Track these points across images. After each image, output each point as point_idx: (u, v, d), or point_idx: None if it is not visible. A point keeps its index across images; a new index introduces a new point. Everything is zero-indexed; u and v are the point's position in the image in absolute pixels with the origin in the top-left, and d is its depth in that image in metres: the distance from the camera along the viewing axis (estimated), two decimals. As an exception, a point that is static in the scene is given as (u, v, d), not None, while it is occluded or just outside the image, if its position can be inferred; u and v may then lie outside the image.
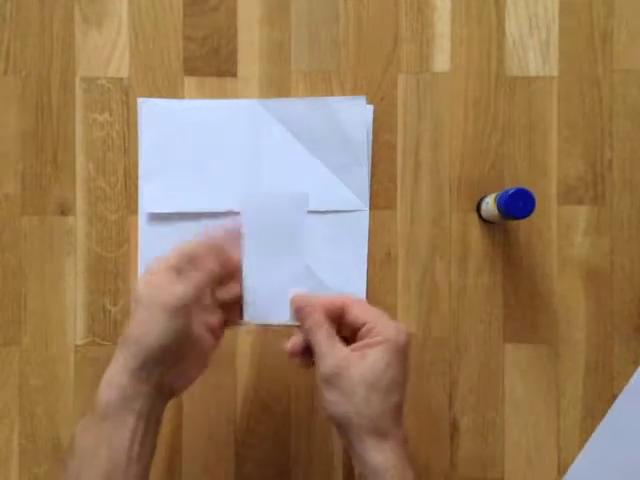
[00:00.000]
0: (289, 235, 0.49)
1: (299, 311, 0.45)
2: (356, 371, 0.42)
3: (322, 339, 0.43)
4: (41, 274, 0.58)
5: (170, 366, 0.43)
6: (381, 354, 0.42)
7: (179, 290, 0.42)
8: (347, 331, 0.45)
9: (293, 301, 0.46)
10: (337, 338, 0.44)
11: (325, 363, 0.43)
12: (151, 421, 0.43)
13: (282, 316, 0.47)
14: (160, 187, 0.58)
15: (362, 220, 0.58)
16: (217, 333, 0.47)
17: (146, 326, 0.41)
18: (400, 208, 0.59)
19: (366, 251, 0.58)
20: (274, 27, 0.59)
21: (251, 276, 0.47)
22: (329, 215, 0.58)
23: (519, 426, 0.58)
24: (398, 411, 0.43)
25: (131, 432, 0.41)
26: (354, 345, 0.44)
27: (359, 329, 0.44)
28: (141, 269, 0.58)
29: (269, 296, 0.47)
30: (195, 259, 0.45)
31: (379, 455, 0.42)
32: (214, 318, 0.47)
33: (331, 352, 0.43)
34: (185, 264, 0.44)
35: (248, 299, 0.48)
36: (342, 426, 0.43)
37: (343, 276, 0.57)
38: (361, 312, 0.45)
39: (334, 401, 0.42)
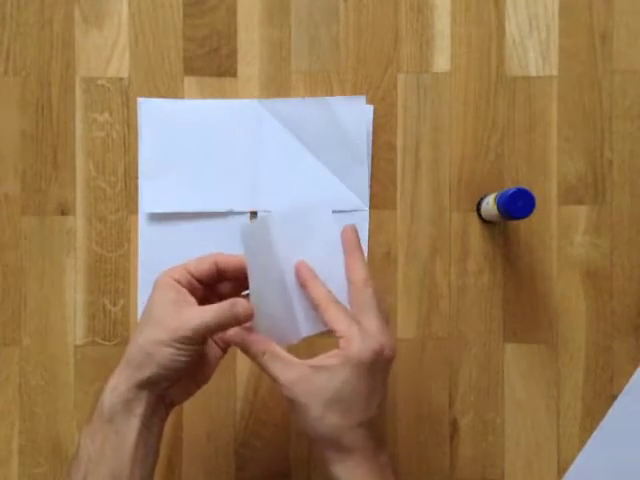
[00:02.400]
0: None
1: (241, 342, 0.44)
2: (309, 387, 0.41)
3: (269, 362, 0.42)
4: (41, 274, 0.58)
5: (174, 382, 0.43)
6: (337, 370, 0.40)
7: (197, 320, 0.41)
8: None
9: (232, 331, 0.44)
10: (285, 355, 0.42)
11: (279, 383, 0.42)
12: (154, 426, 0.43)
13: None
14: (160, 187, 0.58)
15: (362, 220, 0.58)
16: (225, 346, 0.47)
17: (157, 346, 0.41)
18: (400, 208, 0.59)
19: (366, 251, 0.58)
20: (274, 27, 0.59)
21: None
22: (329, 215, 0.58)
23: (519, 426, 0.58)
24: (366, 427, 0.41)
25: (135, 435, 0.41)
26: (312, 360, 0.42)
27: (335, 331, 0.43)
28: (141, 269, 0.58)
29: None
30: (205, 276, 0.44)
31: (342, 470, 0.41)
32: (223, 333, 0.46)
33: (282, 371, 0.42)
34: (192, 281, 0.44)
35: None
36: (311, 438, 0.43)
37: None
38: (332, 318, 0.42)
39: (294, 417, 0.42)
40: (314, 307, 0.43)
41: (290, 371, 0.41)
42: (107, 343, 0.58)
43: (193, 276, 0.44)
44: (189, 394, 0.46)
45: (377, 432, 0.42)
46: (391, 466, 0.43)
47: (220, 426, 0.58)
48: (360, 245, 0.45)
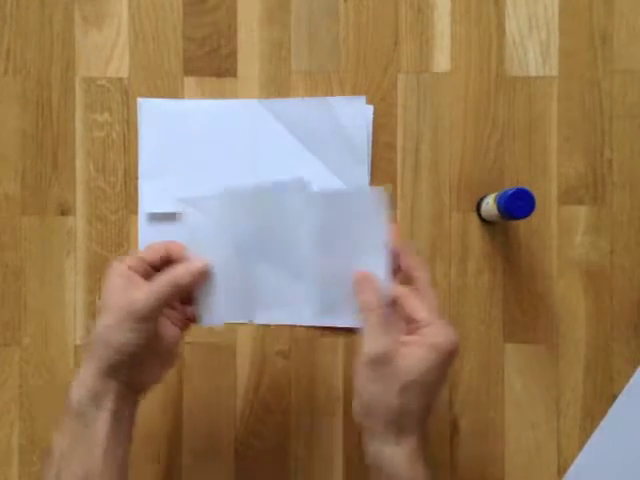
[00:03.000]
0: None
1: (360, 283, 0.44)
2: (400, 362, 0.41)
3: (374, 320, 0.43)
4: (41, 274, 0.58)
5: (137, 365, 0.43)
6: (427, 356, 0.42)
7: (143, 300, 0.42)
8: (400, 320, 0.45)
9: (355, 274, 0.45)
10: (391, 326, 0.43)
11: (371, 345, 0.42)
12: (124, 415, 0.43)
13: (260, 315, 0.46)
14: (160, 187, 0.58)
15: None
16: (182, 326, 0.47)
17: (112, 331, 0.42)
18: (400, 208, 0.59)
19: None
20: (274, 27, 0.59)
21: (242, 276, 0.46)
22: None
23: (519, 426, 0.58)
24: (425, 413, 0.43)
25: (105, 427, 0.42)
26: (405, 338, 0.43)
27: (413, 322, 0.44)
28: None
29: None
30: (157, 262, 0.45)
31: (391, 451, 0.42)
32: (178, 313, 0.47)
33: (383, 336, 0.42)
34: (145, 267, 0.44)
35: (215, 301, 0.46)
36: (367, 411, 0.42)
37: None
38: (416, 307, 0.43)
39: (368, 385, 0.42)
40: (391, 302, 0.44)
41: (389, 340, 0.42)
42: (107, 343, 0.58)
43: (146, 262, 0.45)
44: (157, 378, 0.46)
45: (427, 422, 0.43)
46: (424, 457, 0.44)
47: (220, 426, 0.58)
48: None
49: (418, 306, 0.43)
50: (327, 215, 0.45)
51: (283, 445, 0.58)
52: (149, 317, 0.42)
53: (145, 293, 0.42)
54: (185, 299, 0.47)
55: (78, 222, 0.59)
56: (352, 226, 0.45)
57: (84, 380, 0.42)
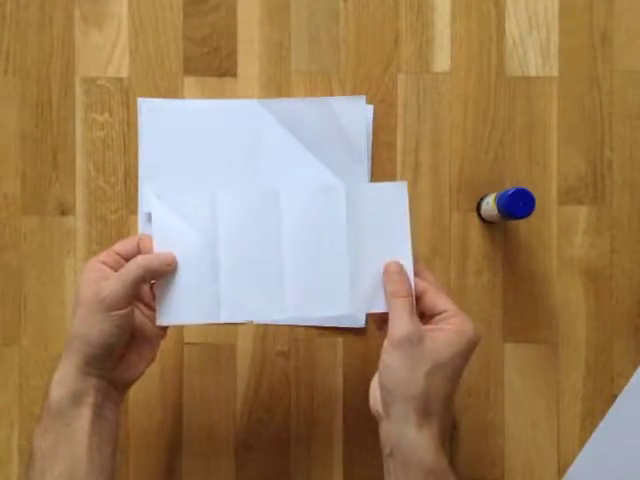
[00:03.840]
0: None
1: (394, 273, 0.45)
2: (429, 345, 0.42)
3: (406, 306, 0.43)
4: (41, 274, 0.58)
5: (116, 359, 0.43)
6: (455, 340, 0.43)
7: (111, 286, 0.42)
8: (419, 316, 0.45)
9: (386, 264, 0.45)
10: (416, 314, 0.44)
11: (401, 326, 0.42)
12: (107, 412, 0.43)
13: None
14: (160, 187, 0.58)
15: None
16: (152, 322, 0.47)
17: (86, 325, 0.42)
18: (400, 208, 0.59)
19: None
20: (274, 27, 0.59)
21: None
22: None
23: (519, 426, 0.58)
24: (449, 400, 0.43)
25: (88, 425, 0.41)
26: (429, 327, 0.44)
27: (434, 316, 0.44)
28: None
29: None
30: (130, 254, 0.45)
31: (414, 434, 0.41)
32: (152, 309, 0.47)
33: (410, 319, 0.43)
34: (118, 260, 0.44)
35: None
36: (391, 395, 0.42)
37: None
38: (440, 300, 0.45)
39: (396, 366, 0.42)
40: (419, 294, 0.45)
41: (416, 323, 0.43)
42: (107, 343, 0.58)
43: (119, 254, 0.45)
44: (138, 373, 0.46)
45: (450, 409, 0.44)
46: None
47: (220, 426, 0.58)
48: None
49: (442, 298, 0.45)
50: (352, 212, 0.46)
51: (283, 445, 0.58)
52: (118, 304, 0.42)
53: (112, 280, 0.42)
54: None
55: (78, 222, 0.58)
56: (377, 222, 0.46)
57: (63, 378, 0.42)
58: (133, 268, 0.43)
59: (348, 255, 0.46)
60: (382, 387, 0.43)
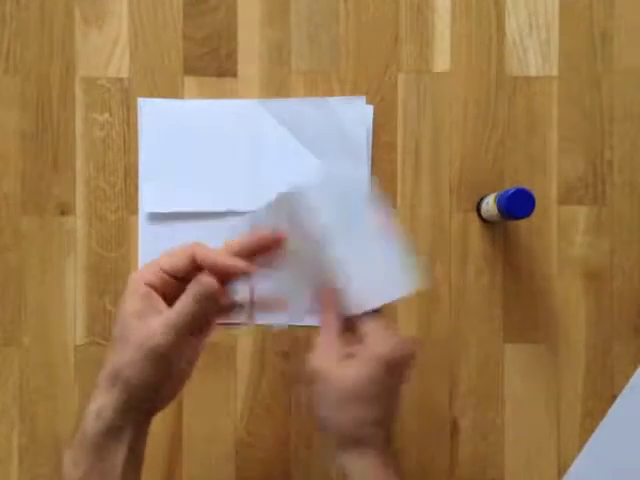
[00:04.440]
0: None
1: (324, 301, 0.44)
2: (336, 379, 0.41)
3: (327, 338, 0.43)
4: (41, 274, 0.58)
5: (156, 394, 0.42)
6: (367, 369, 0.41)
7: (161, 335, 0.38)
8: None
9: (321, 292, 0.44)
10: (336, 342, 0.43)
11: (311, 362, 0.42)
12: (139, 446, 0.42)
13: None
14: (160, 187, 0.58)
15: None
16: (199, 346, 0.44)
17: (129, 368, 0.39)
18: (400, 208, 0.59)
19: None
20: (274, 27, 0.59)
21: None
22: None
23: (519, 426, 0.58)
24: (381, 425, 0.42)
25: (123, 462, 0.40)
26: (347, 351, 0.43)
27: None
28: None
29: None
30: (180, 270, 0.41)
31: (355, 463, 0.41)
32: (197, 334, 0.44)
33: (322, 354, 0.42)
34: (166, 280, 0.40)
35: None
36: (323, 427, 0.43)
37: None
38: (360, 319, 0.43)
39: (315, 401, 0.43)
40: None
41: (327, 357, 0.42)
42: (107, 343, 0.58)
43: (167, 273, 0.40)
44: (173, 398, 0.44)
45: (389, 432, 0.43)
46: (395, 465, 0.43)
47: (220, 426, 0.58)
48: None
49: (361, 317, 0.43)
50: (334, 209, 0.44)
51: (283, 445, 0.58)
52: (169, 353, 0.39)
53: (163, 326, 0.38)
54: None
55: (78, 222, 0.58)
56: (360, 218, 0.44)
57: (102, 411, 0.40)
58: (184, 314, 0.39)
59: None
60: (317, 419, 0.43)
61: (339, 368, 0.42)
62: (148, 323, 0.39)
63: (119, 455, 0.40)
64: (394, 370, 0.42)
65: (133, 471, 0.42)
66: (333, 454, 0.43)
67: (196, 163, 0.58)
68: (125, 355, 0.39)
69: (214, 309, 0.41)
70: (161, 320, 0.39)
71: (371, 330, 0.42)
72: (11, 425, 0.58)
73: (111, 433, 0.40)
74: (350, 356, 0.42)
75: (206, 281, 0.39)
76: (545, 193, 0.58)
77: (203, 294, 0.39)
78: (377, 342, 0.42)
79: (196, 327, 0.40)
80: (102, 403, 0.40)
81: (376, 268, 0.44)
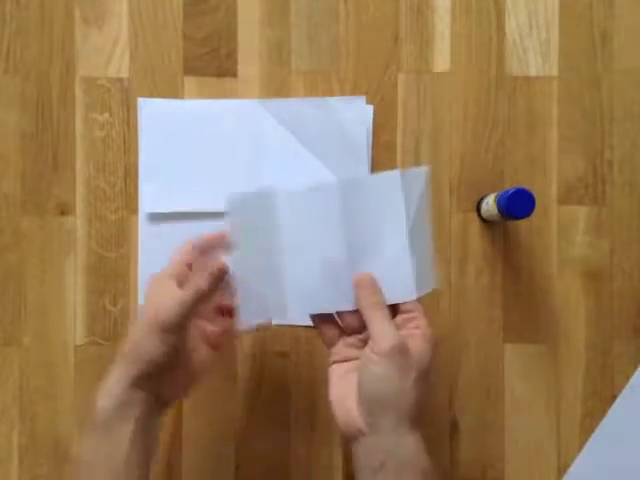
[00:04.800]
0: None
1: (364, 287, 0.44)
2: (413, 354, 0.42)
3: (384, 317, 0.43)
4: (41, 274, 0.58)
5: (165, 377, 0.43)
6: (428, 347, 0.43)
7: (169, 309, 0.42)
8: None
9: (358, 278, 0.44)
10: (393, 322, 0.44)
11: (388, 337, 0.42)
12: (149, 428, 0.43)
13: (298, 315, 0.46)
14: (160, 187, 0.58)
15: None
16: (215, 343, 0.47)
17: (142, 341, 0.42)
18: (400, 208, 0.59)
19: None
20: (274, 27, 0.59)
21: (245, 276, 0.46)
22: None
23: (519, 426, 0.58)
24: (425, 402, 0.43)
25: (129, 440, 0.41)
26: (402, 330, 0.44)
27: (397, 313, 0.44)
28: (141, 269, 0.58)
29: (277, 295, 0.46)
30: (191, 265, 0.45)
31: (413, 441, 0.41)
32: (212, 327, 0.47)
33: (392, 330, 0.42)
34: (183, 273, 0.45)
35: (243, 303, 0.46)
36: (381, 406, 0.42)
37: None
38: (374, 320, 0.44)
39: (388, 376, 0.41)
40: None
41: (397, 334, 0.42)
42: (107, 343, 0.58)
43: (183, 265, 0.46)
44: (184, 393, 0.46)
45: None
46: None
47: (220, 426, 0.58)
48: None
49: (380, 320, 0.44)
50: (347, 206, 0.44)
51: (283, 445, 0.58)
52: (175, 326, 0.42)
53: (170, 302, 0.42)
54: (226, 311, 0.47)
55: (78, 222, 0.58)
56: (372, 214, 0.45)
57: (111, 388, 0.42)
58: (190, 292, 0.43)
59: (347, 255, 0.45)
60: (369, 399, 0.42)
61: (412, 344, 0.43)
62: (162, 301, 0.42)
63: (127, 432, 0.41)
64: (401, 365, 0.42)
65: (141, 452, 0.42)
66: (381, 436, 0.41)
67: (196, 163, 0.58)
68: (138, 331, 0.42)
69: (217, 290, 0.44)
70: (173, 298, 0.42)
71: (419, 308, 0.45)
72: (11, 425, 0.58)
73: (119, 410, 0.41)
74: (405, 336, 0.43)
75: (218, 261, 0.44)
76: (545, 193, 0.59)
77: (214, 272, 0.43)
78: (426, 323, 0.44)
79: (197, 309, 0.43)
80: (113, 379, 0.42)
81: (410, 260, 0.45)
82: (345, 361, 0.45)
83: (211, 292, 0.44)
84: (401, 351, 0.41)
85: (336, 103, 0.58)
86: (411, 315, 0.44)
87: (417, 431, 0.42)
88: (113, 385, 0.42)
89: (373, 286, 0.44)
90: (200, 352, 0.46)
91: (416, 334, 0.43)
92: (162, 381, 0.43)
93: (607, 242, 0.59)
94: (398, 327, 0.43)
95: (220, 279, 0.44)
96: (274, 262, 0.45)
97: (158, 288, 0.44)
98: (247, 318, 0.45)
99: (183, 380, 0.45)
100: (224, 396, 0.58)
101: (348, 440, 0.43)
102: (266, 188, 0.45)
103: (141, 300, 0.58)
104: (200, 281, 0.43)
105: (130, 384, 0.42)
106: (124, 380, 0.42)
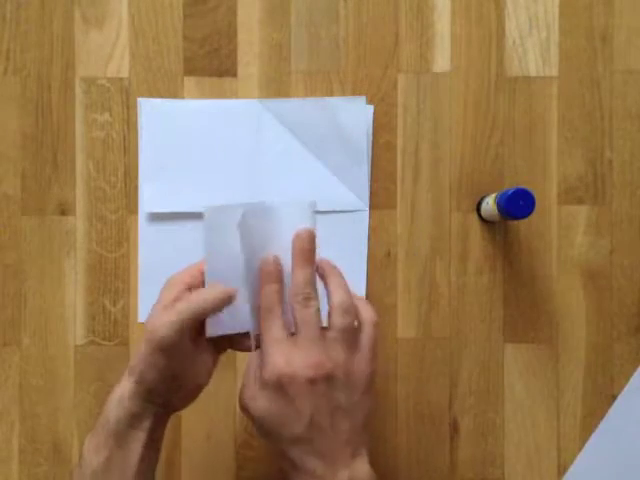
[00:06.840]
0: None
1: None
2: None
3: (272, 332, 0.42)
4: (41, 274, 0.58)
5: (174, 388, 0.43)
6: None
7: (165, 329, 0.40)
8: None
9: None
10: (285, 332, 0.41)
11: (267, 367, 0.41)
12: (157, 437, 0.44)
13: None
14: (160, 187, 0.58)
15: (362, 220, 0.58)
16: (219, 348, 0.46)
17: (145, 359, 0.41)
18: (400, 208, 0.59)
19: (366, 251, 0.58)
20: (274, 27, 0.59)
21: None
22: (329, 215, 0.58)
23: (519, 426, 0.58)
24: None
25: (141, 449, 0.42)
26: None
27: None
28: (141, 269, 0.58)
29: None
30: (189, 285, 0.44)
31: (357, 472, 0.41)
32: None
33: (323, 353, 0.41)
34: (182, 292, 0.43)
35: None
36: (316, 435, 0.40)
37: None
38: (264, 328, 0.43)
39: (318, 402, 0.40)
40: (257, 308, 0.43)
41: (281, 357, 0.41)
42: (107, 343, 0.58)
43: (184, 284, 0.44)
44: (192, 398, 0.46)
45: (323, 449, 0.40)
46: None
47: (220, 426, 0.58)
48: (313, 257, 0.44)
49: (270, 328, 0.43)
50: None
51: (283, 445, 0.58)
52: (173, 346, 0.41)
53: (165, 322, 0.41)
54: None
55: (78, 222, 0.58)
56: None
57: (124, 398, 0.42)
58: (184, 313, 0.41)
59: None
60: (298, 431, 0.40)
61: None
62: (158, 321, 0.41)
63: (138, 443, 0.42)
64: (285, 390, 0.41)
65: (150, 461, 0.43)
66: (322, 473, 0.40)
67: (196, 163, 0.58)
68: (141, 348, 0.42)
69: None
70: (169, 315, 0.41)
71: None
72: (11, 425, 0.58)
73: (131, 420, 0.42)
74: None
75: (228, 289, 0.42)
76: (545, 193, 0.59)
77: (221, 297, 0.42)
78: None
79: (193, 327, 0.42)
80: (123, 390, 0.42)
81: None
82: None
83: (206, 311, 0.42)
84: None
85: (336, 103, 0.58)
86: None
87: (365, 457, 0.41)
88: (126, 394, 0.42)
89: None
90: (203, 361, 0.45)
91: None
92: (171, 392, 0.43)
93: (607, 242, 0.59)
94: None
95: (225, 303, 0.42)
96: (237, 276, 0.44)
97: (155, 309, 0.43)
98: (214, 328, 0.44)
99: (191, 387, 0.45)
100: (224, 396, 0.58)
101: None
102: (240, 203, 0.44)
103: (140, 299, 0.58)
104: (197, 302, 0.42)
105: (141, 396, 0.42)
106: (135, 391, 0.42)
